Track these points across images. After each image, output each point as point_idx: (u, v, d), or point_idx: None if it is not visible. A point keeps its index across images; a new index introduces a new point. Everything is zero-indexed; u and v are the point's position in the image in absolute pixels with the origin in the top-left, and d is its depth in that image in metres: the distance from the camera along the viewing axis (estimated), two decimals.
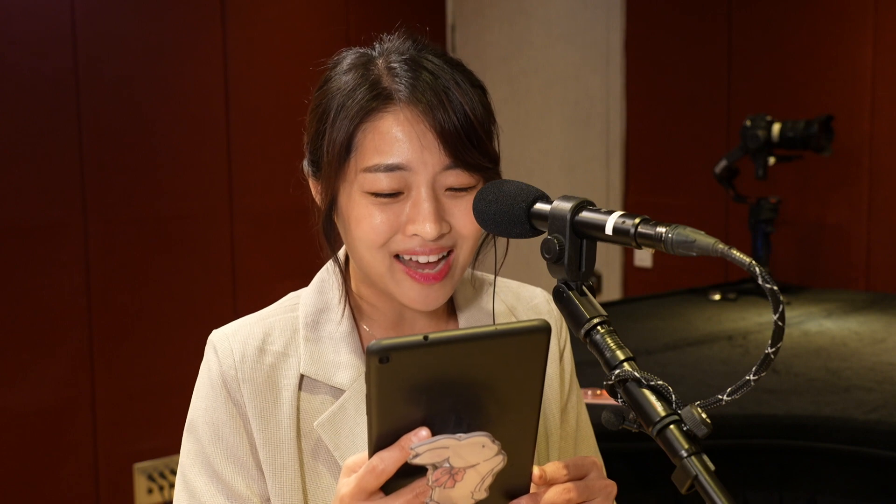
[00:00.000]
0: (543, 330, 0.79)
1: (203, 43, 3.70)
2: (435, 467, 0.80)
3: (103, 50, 3.49)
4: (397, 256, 1.03)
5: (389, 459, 0.79)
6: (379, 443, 0.80)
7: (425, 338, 0.76)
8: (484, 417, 0.80)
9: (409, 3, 4.17)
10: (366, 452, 0.82)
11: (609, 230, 0.86)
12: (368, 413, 0.79)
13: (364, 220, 1.01)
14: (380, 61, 1.03)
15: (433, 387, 0.78)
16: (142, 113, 3.58)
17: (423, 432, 0.79)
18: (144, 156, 3.59)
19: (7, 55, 3.32)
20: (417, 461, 0.79)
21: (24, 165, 3.36)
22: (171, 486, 3.60)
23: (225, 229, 3.77)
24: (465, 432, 0.80)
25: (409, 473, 0.80)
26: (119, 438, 3.54)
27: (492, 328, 0.79)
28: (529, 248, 1.23)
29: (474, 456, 0.81)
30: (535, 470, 0.86)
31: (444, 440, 0.79)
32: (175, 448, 1.13)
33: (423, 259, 1.02)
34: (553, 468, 0.89)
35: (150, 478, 3.59)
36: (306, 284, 1.16)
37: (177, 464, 1.15)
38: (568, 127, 4.32)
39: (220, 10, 3.71)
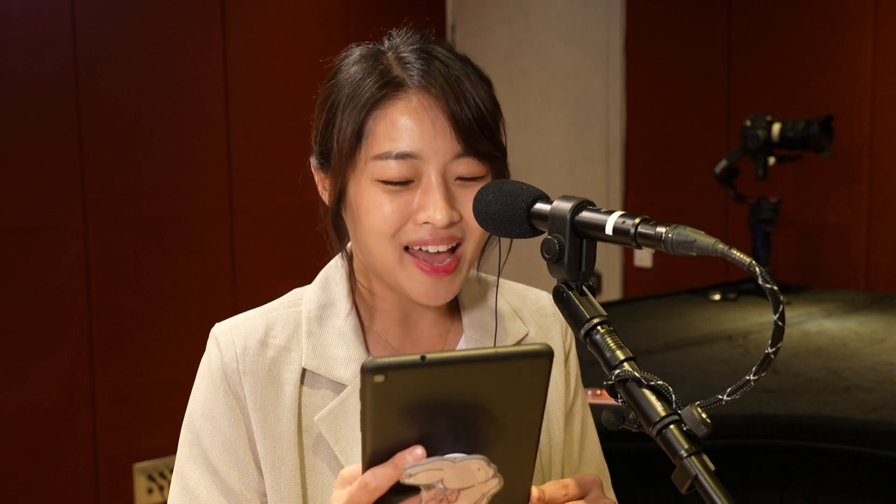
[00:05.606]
0: (545, 354, 0.77)
1: (203, 43, 3.70)
2: (428, 488, 0.78)
3: (103, 50, 3.49)
4: (407, 249, 1.02)
5: (382, 477, 0.77)
6: (373, 459, 0.78)
7: (422, 358, 0.73)
8: (481, 439, 0.79)
9: (408, 4, 4.16)
10: (360, 465, 0.80)
11: (609, 230, 0.86)
12: (363, 429, 0.77)
13: (374, 210, 1.00)
14: (389, 54, 1.04)
15: (429, 407, 0.76)
16: (142, 113, 3.58)
17: (419, 451, 0.77)
18: (144, 156, 3.59)
19: (7, 55, 3.32)
20: (411, 481, 0.78)
21: (24, 165, 3.36)
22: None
23: (225, 229, 3.77)
24: (461, 452, 0.78)
25: (402, 490, 0.79)
26: (119, 438, 3.54)
27: (492, 351, 0.77)
28: (529, 248, 1.23)
29: (469, 478, 0.79)
30: (534, 491, 0.85)
31: (439, 462, 0.77)
32: (175, 448, 1.12)
33: (432, 249, 1.01)
34: (553, 488, 0.88)
35: (150, 478, 3.59)
36: (306, 284, 1.16)
37: None
38: (568, 127, 4.31)
39: (220, 10, 3.71)
